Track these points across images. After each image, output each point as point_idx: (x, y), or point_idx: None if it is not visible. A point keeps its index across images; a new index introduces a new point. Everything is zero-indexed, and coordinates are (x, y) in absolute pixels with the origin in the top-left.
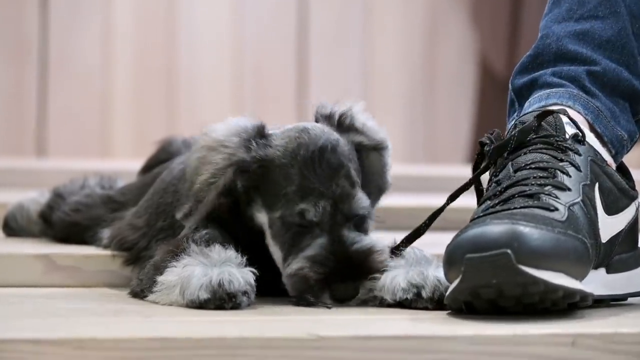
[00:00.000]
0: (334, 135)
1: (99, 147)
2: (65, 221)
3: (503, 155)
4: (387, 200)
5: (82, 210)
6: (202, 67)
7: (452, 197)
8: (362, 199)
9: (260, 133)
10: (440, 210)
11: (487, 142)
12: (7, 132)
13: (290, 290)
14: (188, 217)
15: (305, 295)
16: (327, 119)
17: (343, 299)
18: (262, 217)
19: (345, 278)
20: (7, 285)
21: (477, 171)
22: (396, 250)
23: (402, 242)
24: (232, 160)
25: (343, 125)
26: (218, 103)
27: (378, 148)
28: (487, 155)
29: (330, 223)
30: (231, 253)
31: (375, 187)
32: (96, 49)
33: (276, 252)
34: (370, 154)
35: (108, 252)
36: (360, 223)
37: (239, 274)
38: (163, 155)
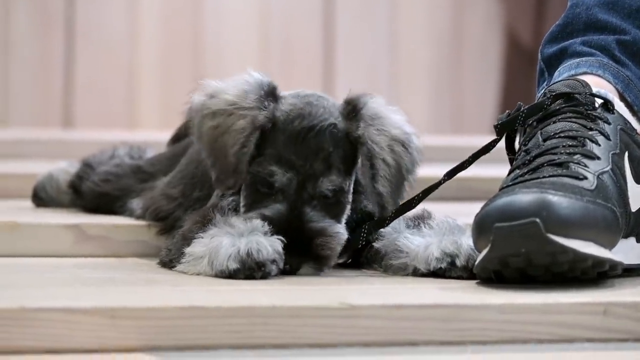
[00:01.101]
0: (332, 118)
1: (126, 117)
2: (94, 191)
3: (513, 130)
4: None
5: (112, 180)
6: (228, 38)
7: (449, 174)
8: (330, 182)
9: (273, 93)
10: (436, 186)
11: (498, 121)
12: (34, 103)
13: None
14: (232, 191)
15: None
16: (346, 102)
17: (285, 270)
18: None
19: (289, 251)
20: (37, 255)
21: (476, 151)
22: (385, 223)
23: (390, 214)
24: (257, 124)
25: (353, 111)
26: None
27: (358, 142)
28: (495, 132)
29: (294, 196)
30: (257, 222)
31: (370, 191)
32: (122, 19)
33: (241, 202)
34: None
35: (138, 222)
36: (329, 206)
37: (267, 243)
38: None
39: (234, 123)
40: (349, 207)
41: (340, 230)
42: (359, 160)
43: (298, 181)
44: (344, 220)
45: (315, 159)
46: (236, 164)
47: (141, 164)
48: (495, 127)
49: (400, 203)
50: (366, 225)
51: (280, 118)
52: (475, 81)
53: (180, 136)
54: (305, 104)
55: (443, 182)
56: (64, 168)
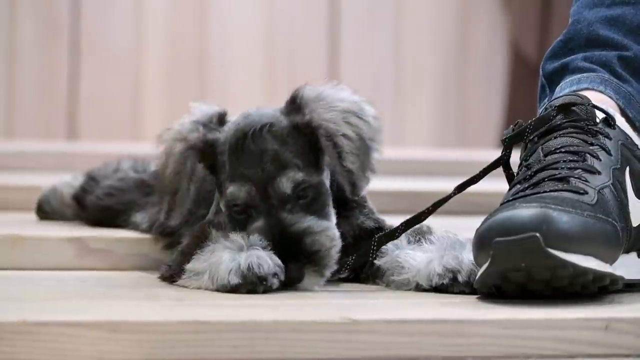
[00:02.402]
0: (271, 118)
1: (130, 130)
2: (98, 205)
3: (522, 142)
4: (417, 185)
5: (116, 194)
6: (233, 50)
7: (460, 188)
8: (288, 179)
9: (219, 119)
10: (445, 199)
11: (506, 135)
12: (39, 114)
13: None
14: (171, 215)
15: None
16: (286, 102)
17: (287, 282)
18: (222, 207)
19: (284, 260)
20: (40, 268)
21: (487, 166)
22: (393, 237)
23: (399, 227)
24: (188, 144)
25: (293, 104)
26: (250, 86)
27: (310, 127)
28: (503, 146)
29: (265, 206)
30: (255, 237)
31: (340, 171)
32: (128, 30)
33: None
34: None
35: (140, 236)
36: (306, 205)
37: (267, 256)
38: None
39: (175, 147)
40: (330, 200)
41: (328, 226)
42: (325, 146)
43: (258, 190)
44: (333, 218)
45: (262, 162)
46: (169, 184)
47: (145, 177)
48: (503, 141)
49: (371, 175)
50: (376, 238)
51: (220, 139)
52: (480, 94)
53: None
54: (244, 118)
55: (453, 196)
56: (67, 181)
